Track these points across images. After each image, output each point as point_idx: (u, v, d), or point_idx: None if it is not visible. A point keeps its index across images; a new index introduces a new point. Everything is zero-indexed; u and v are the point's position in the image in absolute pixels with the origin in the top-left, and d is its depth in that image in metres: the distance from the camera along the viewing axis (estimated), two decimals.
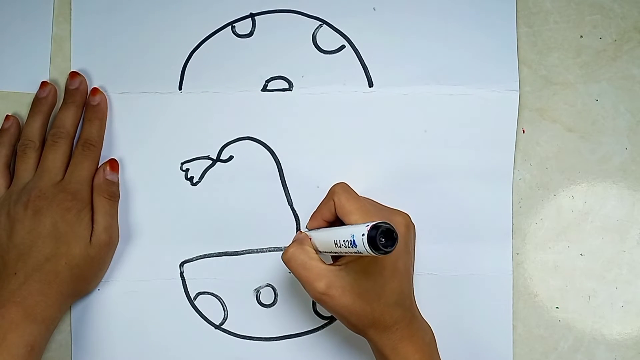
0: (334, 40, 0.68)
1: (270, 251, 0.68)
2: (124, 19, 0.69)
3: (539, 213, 0.68)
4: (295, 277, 0.60)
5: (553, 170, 0.68)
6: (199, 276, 0.68)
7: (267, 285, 0.68)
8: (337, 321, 0.67)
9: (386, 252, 0.51)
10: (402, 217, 0.62)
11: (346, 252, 0.55)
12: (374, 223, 0.52)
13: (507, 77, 0.68)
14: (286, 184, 0.68)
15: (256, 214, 0.68)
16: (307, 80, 0.68)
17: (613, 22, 0.68)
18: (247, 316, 0.68)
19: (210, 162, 0.68)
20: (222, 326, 0.68)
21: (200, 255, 0.68)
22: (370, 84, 0.68)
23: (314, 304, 0.68)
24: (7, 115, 0.68)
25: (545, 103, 0.68)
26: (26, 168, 0.66)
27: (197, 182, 0.68)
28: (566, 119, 0.68)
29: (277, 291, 0.68)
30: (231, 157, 0.68)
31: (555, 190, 0.68)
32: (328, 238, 0.58)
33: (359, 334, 0.61)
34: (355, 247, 0.53)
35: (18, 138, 0.67)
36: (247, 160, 0.68)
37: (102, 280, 0.67)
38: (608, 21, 0.68)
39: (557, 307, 0.68)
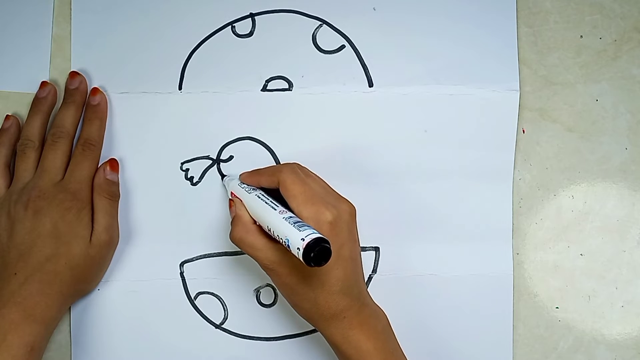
0: (334, 40, 0.68)
1: None
2: (124, 18, 0.69)
3: (539, 213, 0.68)
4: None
5: (553, 170, 0.68)
6: (199, 276, 0.68)
7: (267, 285, 0.68)
8: None
9: (316, 266, 0.53)
10: (347, 205, 0.62)
11: (276, 239, 0.56)
12: (312, 238, 0.52)
13: (508, 77, 0.67)
14: None
15: None
16: (307, 80, 0.68)
17: (613, 22, 0.68)
18: (247, 316, 0.68)
19: (210, 162, 0.68)
20: (222, 326, 0.68)
21: (200, 255, 0.68)
22: (370, 84, 0.68)
23: None
24: (7, 115, 0.68)
25: (545, 103, 0.68)
26: (26, 168, 0.66)
27: (197, 182, 0.68)
28: (566, 119, 0.68)
29: (277, 291, 0.68)
30: (231, 157, 0.68)
31: (555, 190, 0.68)
32: (262, 218, 0.59)
33: (307, 320, 0.61)
34: (289, 248, 0.54)
35: (18, 138, 0.67)
36: (247, 160, 0.68)
37: (102, 280, 0.67)
38: (608, 21, 0.68)
39: (557, 307, 0.68)
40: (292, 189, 0.60)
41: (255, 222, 0.61)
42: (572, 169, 0.68)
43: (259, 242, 0.60)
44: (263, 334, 0.68)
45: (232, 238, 0.61)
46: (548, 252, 0.68)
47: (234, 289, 0.68)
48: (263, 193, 0.62)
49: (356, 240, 0.62)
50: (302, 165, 0.65)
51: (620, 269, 0.67)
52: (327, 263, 0.53)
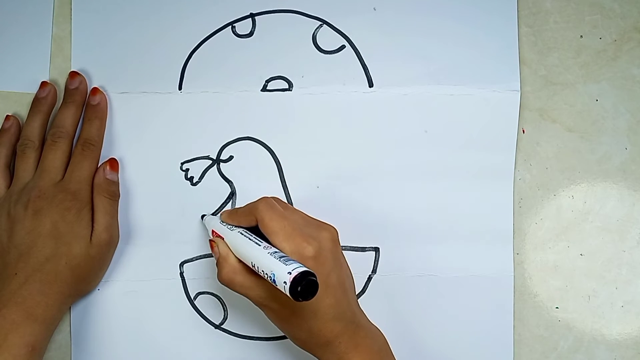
0: (334, 40, 0.68)
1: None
2: (124, 19, 0.69)
3: (539, 213, 0.68)
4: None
5: (553, 170, 0.68)
6: (199, 276, 0.68)
7: None
8: None
9: (304, 300, 0.52)
10: (328, 232, 0.61)
11: (261, 275, 0.56)
12: (299, 272, 0.52)
13: (508, 77, 0.67)
14: (286, 184, 0.68)
15: None
16: (307, 81, 0.68)
17: (613, 22, 0.68)
18: (247, 316, 0.68)
19: (210, 162, 0.68)
20: (222, 326, 0.68)
21: (200, 255, 0.68)
22: (370, 84, 0.68)
23: None
24: (7, 115, 0.68)
25: (545, 103, 0.68)
26: (26, 168, 0.66)
27: (197, 182, 0.68)
28: (566, 119, 0.68)
29: None
30: (231, 157, 0.68)
31: (555, 190, 0.68)
32: (246, 255, 0.58)
33: (304, 349, 0.61)
34: (274, 284, 0.54)
35: (18, 138, 0.67)
36: (247, 160, 0.68)
37: (102, 280, 0.67)
38: (608, 21, 0.68)
39: (557, 307, 0.68)
40: (271, 225, 0.59)
41: (240, 260, 0.60)
42: (572, 169, 0.68)
43: (248, 281, 0.59)
44: (263, 334, 0.68)
45: (221, 280, 0.60)
46: (548, 252, 0.68)
47: None
48: (245, 230, 0.61)
49: (342, 264, 0.62)
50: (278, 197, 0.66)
51: (620, 269, 0.67)
52: (317, 295, 0.53)
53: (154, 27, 0.69)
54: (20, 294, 0.61)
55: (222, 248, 0.61)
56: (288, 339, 0.68)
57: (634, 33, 0.68)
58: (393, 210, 0.68)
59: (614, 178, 0.68)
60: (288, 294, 0.52)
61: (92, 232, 0.65)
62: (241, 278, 0.59)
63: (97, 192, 0.66)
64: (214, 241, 0.62)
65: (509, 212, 0.67)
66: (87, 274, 0.65)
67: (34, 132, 0.66)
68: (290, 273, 0.52)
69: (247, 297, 0.60)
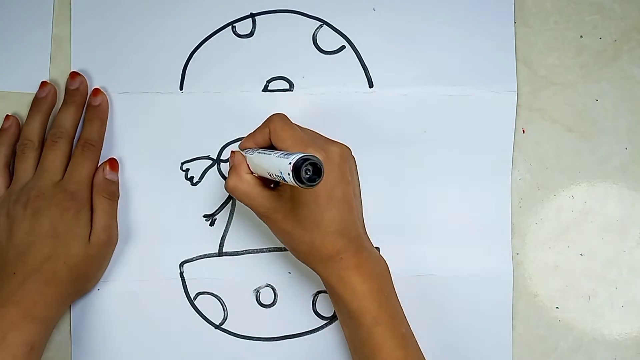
0: (334, 40, 0.68)
1: (269, 251, 0.68)
2: (124, 19, 0.69)
3: (539, 213, 0.68)
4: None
5: (553, 170, 0.68)
6: (199, 276, 0.68)
7: (266, 286, 0.68)
8: (337, 321, 0.67)
9: (312, 185, 0.52)
10: (337, 147, 0.62)
11: (280, 181, 0.55)
12: (299, 156, 0.52)
13: (505, 78, 0.68)
14: None
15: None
16: (307, 81, 0.68)
17: (613, 22, 0.68)
18: (246, 316, 0.68)
19: (210, 162, 0.68)
20: (222, 326, 0.68)
21: (200, 255, 0.68)
22: (371, 85, 0.68)
23: (313, 304, 0.68)
24: (7, 115, 0.68)
25: (545, 103, 0.68)
26: (25, 168, 0.66)
27: (197, 182, 0.68)
28: (566, 119, 0.68)
29: (277, 291, 0.68)
30: None
31: (555, 190, 0.68)
32: (262, 166, 0.58)
33: (305, 263, 0.62)
34: (284, 181, 0.53)
35: (18, 138, 0.67)
36: None
37: (102, 280, 0.67)
38: (608, 21, 0.68)
39: (557, 307, 0.68)
40: (281, 133, 0.60)
41: (251, 172, 0.60)
42: (572, 169, 0.68)
43: (253, 190, 0.60)
44: (263, 334, 0.68)
45: (226, 187, 0.61)
46: (548, 252, 0.68)
47: (233, 289, 0.68)
48: (264, 149, 0.60)
49: (350, 182, 0.62)
50: None
51: (620, 269, 0.67)
52: (319, 204, 0.52)
53: (155, 27, 0.69)
54: (18, 293, 0.61)
55: (237, 157, 0.61)
56: (288, 340, 0.68)
57: (634, 33, 0.68)
58: (392, 210, 0.68)
59: (614, 178, 0.68)
60: (295, 183, 0.52)
61: (90, 232, 0.65)
62: (246, 187, 0.60)
63: (97, 192, 0.66)
64: (234, 152, 0.62)
65: (507, 211, 0.67)
66: (85, 274, 0.65)
67: (33, 132, 0.66)
68: (290, 163, 0.52)
69: (251, 208, 0.61)
